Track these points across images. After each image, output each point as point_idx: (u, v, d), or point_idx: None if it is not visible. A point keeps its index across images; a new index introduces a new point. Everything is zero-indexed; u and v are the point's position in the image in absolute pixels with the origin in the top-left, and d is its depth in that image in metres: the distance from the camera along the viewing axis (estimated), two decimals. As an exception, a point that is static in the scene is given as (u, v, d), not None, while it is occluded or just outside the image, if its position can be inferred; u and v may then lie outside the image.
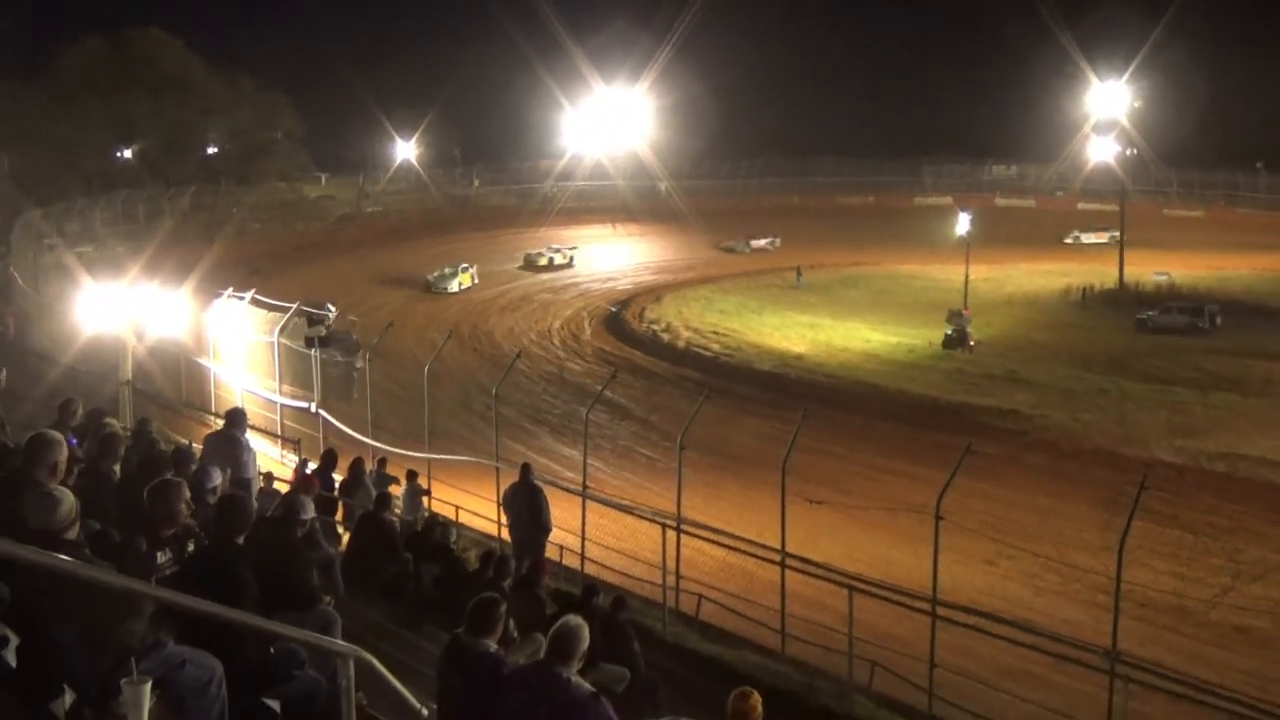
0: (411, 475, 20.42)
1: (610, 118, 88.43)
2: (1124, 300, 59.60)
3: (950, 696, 15.36)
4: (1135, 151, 79.72)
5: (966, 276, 56.07)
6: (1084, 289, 62.56)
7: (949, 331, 50.82)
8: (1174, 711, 15.59)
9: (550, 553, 17.93)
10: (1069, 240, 79.86)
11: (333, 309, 50.15)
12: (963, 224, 63.58)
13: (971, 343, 50.36)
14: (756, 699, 7.75)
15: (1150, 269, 64.05)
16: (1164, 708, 15.43)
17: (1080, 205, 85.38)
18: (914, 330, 52.51)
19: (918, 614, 16.57)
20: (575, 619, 6.92)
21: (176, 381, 28.68)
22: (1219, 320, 53.82)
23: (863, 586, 18.48)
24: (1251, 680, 16.04)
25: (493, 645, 7.17)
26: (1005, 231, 72.79)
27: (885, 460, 28.45)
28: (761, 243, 79.34)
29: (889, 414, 38.20)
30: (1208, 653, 18.39)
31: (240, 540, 7.50)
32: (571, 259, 71.61)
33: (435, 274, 63.40)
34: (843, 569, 19.69)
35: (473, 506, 21.78)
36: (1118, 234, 67.36)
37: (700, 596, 19.44)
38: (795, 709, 13.21)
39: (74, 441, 10.34)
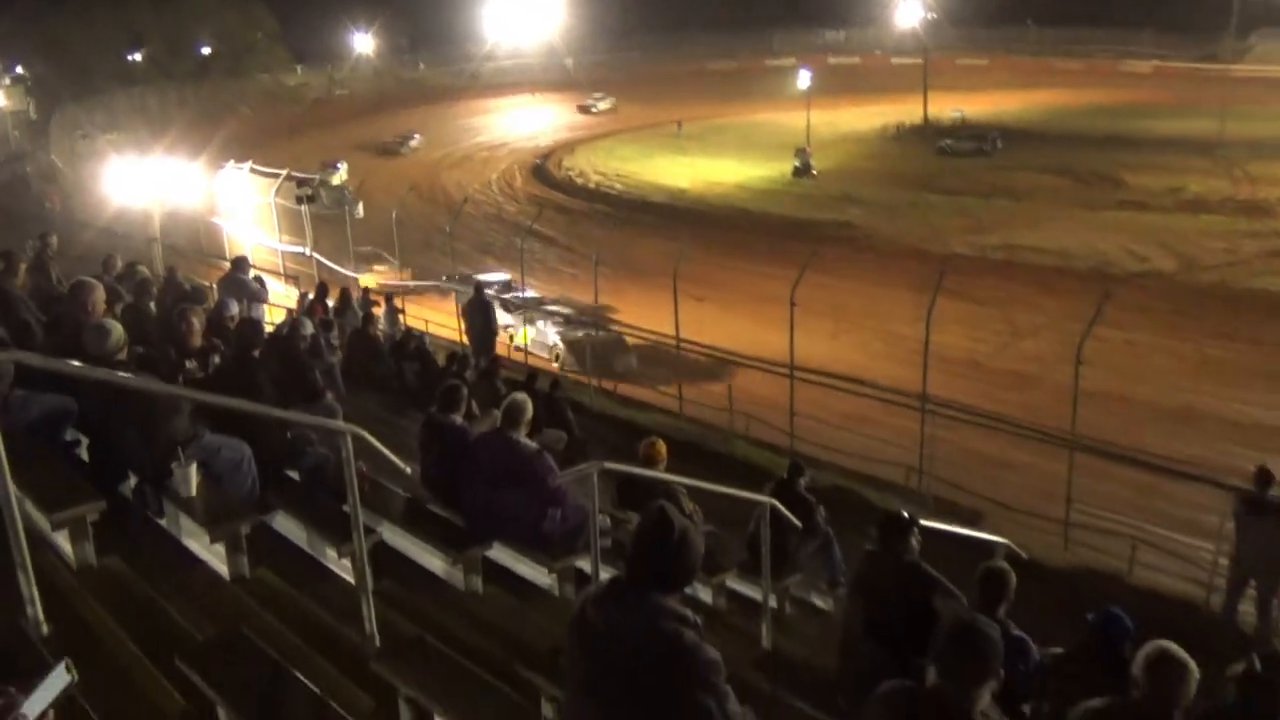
0: (389, 298, 20.18)
1: (526, 4, 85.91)
2: (927, 133, 59.54)
3: (807, 438, 15.80)
4: (934, 15, 78.68)
5: (808, 121, 55.72)
6: (897, 126, 62.39)
7: (797, 164, 50.63)
8: (970, 435, 16.22)
9: (500, 350, 17.95)
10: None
11: (343, 165, 50.29)
12: (803, 80, 62.78)
13: (814, 172, 50.26)
14: (662, 446, 7.89)
15: (948, 108, 63.89)
16: (963, 433, 16.02)
17: (894, 60, 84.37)
18: (771, 165, 52.22)
19: (780, 377, 16.91)
20: (521, 396, 6.94)
21: (195, 237, 27.85)
22: (999, 144, 54.14)
23: (739, 360, 18.78)
24: (1024, 410, 16.58)
25: (459, 419, 7.19)
26: (836, 84, 72.17)
27: (753, 265, 28.52)
28: (604, 105, 76.29)
29: (755, 230, 38.26)
30: (993, 392, 18.97)
31: (256, 353, 7.37)
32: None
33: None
34: (724, 347, 20.01)
35: (439, 320, 21.65)
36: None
37: (619, 379, 19.68)
38: (692, 453, 13.50)
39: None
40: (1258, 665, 4.68)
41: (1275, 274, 31.21)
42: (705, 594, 7.63)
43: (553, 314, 23.70)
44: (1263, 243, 34.45)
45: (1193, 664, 3.65)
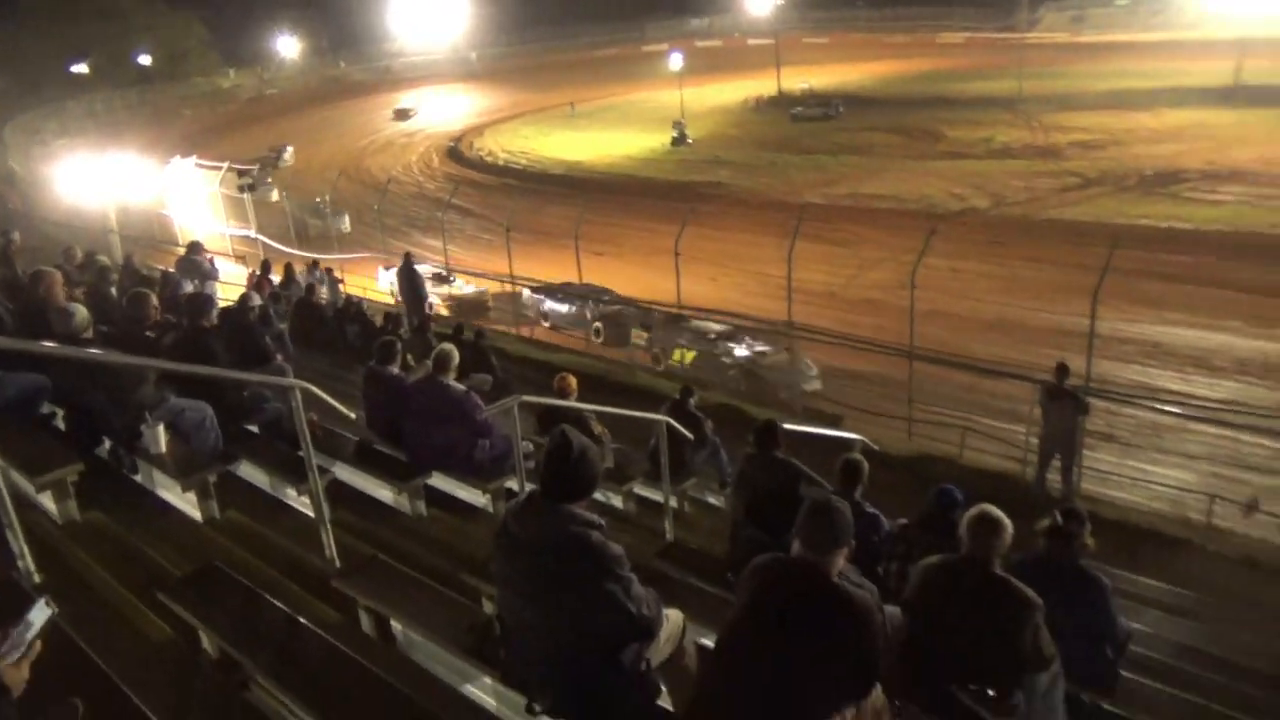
0: (328, 270, 19.62)
1: (432, 5, 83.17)
2: (782, 103, 59.56)
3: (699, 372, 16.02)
4: (782, 1, 78.36)
5: (681, 97, 55.41)
6: (756, 98, 62.32)
7: (674, 135, 50.32)
8: (830, 353, 16.60)
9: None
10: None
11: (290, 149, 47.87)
12: (675, 62, 62.19)
13: (689, 141, 50.04)
14: (572, 380, 7.89)
15: (798, 80, 64.04)
16: (825, 352, 16.38)
17: (750, 41, 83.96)
18: (652, 137, 51.81)
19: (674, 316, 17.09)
20: (448, 346, 6.85)
21: (149, 228, 26.59)
22: (841, 109, 54.63)
23: (638, 303, 18.78)
24: (873, 330, 16.89)
25: (395, 369, 7.08)
26: (703, 65, 71.73)
27: (642, 223, 28.35)
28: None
29: (642, 193, 38.00)
30: (848, 317, 19.35)
31: (208, 324, 7.11)
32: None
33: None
34: (622, 292, 20.01)
35: (375, 286, 21.17)
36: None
37: (534, 325, 19.53)
38: (599, 384, 13.52)
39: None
40: (1059, 519, 4.93)
41: (1066, 206, 32.40)
42: (617, 500, 7.72)
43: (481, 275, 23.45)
44: (1056, 180, 35.62)
45: (1007, 522, 3.80)
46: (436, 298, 22.05)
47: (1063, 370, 10.13)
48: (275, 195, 30.93)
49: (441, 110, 69.92)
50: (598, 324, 20.11)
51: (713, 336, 18.11)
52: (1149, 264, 21.61)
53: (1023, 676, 3.69)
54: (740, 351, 17.55)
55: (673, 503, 7.57)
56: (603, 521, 3.23)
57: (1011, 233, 28.17)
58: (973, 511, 3.80)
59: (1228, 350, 19.20)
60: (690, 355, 17.96)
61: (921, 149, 43.83)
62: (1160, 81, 50.11)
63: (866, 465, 5.71)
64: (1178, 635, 7.00)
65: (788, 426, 7.64)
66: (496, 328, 19.83)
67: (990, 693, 3.65)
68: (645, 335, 18.99)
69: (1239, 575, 9.05)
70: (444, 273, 23.68)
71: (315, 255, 21.71)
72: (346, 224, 30.95)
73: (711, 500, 8.64)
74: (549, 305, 21.77)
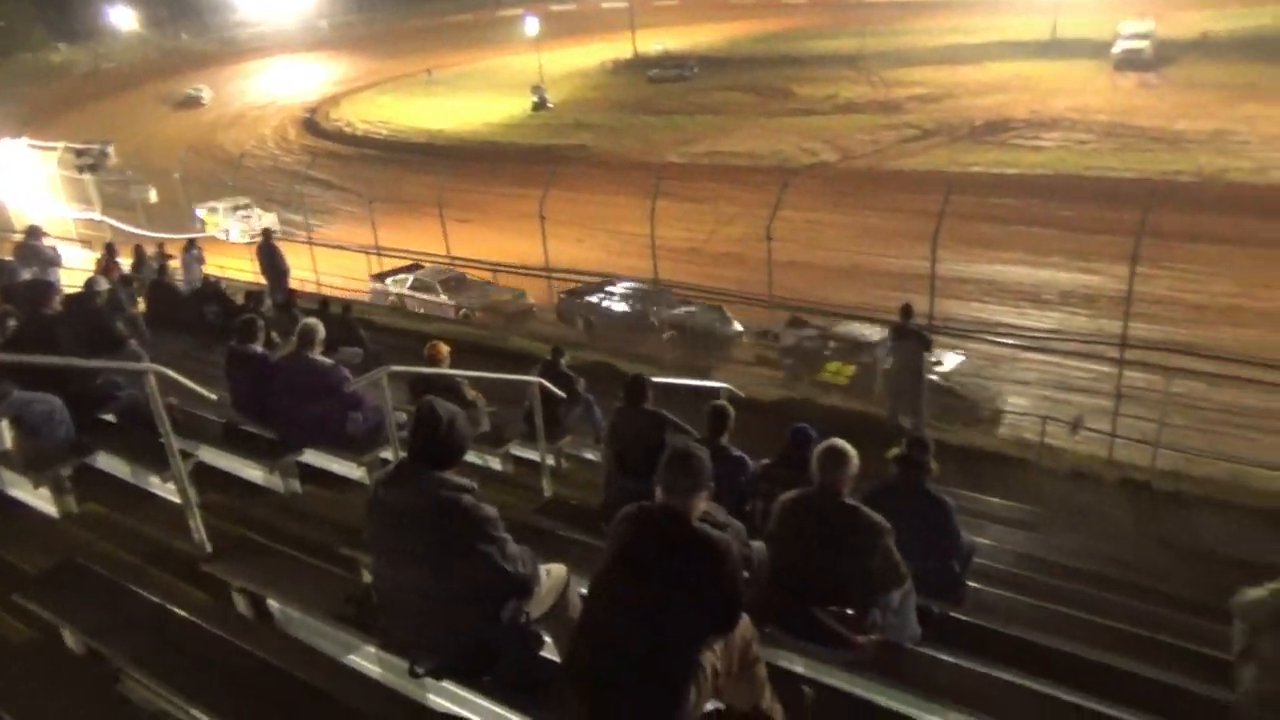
0: (189, 245, 18.48)
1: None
2: (638, 65, 59.60)
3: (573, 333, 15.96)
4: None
5: (539, 62, 54.55)
6: (613, 61, 62.04)
7: (535, 100, 49.65)
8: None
9: (295, 285, 16.93)
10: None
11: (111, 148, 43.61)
12: (531, 26, 61.30)
13: (550, 105, 49.47)
14: (443, 347, 7.75)
15: (652, 42, 64.03)
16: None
17: (604, 5, 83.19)
18: (512, 102, 50.95)
19: (539, 278, 16.95)
20: (311, 321, 6.60)
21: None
22: (696, 70, 55.01)
23: (503, 269, 18.56)
24: (736, 282, 17.24)
25: (258, 347, 6.78)
26: (559, 29, 70.82)
27: (506, 188, 27.93)
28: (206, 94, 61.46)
29: (505, 158, 37.47)
30: (711, 271, 19.61)
31: (51, 311, 6.62)
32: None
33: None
34: (490, 259, 19.71)
35: (235, 265, 20.14)
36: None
37: (400, 295, 19.03)
38: (472, 351, 13.34)
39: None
40: (906, 448, 5.19)
41: (908, 157, 33.70)
42: (495, 462, 7.67)
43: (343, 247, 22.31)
44: (897, 133, 36.98)
45: (852, 452, 3.94)
46: (454, 311, 18.84)
47: (907, 311, 10.59)
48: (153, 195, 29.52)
49: (294, 81, 66.71)
50: (670, 332, 16.72)
51: (871, 340, 14.56)
52: (982, 208, 22.75)
53: (876, 595, 3.90)
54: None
55: (550, 461, 7.58)
56: (474, 485, 3.22)
57: (859, 184, 29.13)
58: (820, 446, 3.94)
59: (1054, 284, 20.51)
60: (849, 370, 14.42)
61: (773, 107, 44.67)
62: (986, 36, 52.50)
63: (732, 411, 5.84)
64: (1017, 545, 7.53)
65: (659, 379, 7.76)
66: (361, 300, 19.21)
67: (849, 612, 3.84)
68: (765, 344, 15.66)
69: (1068, 487, 9.79)
70: (458, 276, 20.15)
71: (176, 236, 20.47)
72: (153, 195, 29.49)
73: (588, 455, 8.69)
74: (606, 305, 18.09)
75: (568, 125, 44.89)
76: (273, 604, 4.08)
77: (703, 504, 3.11)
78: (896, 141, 35.88)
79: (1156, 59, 43.16)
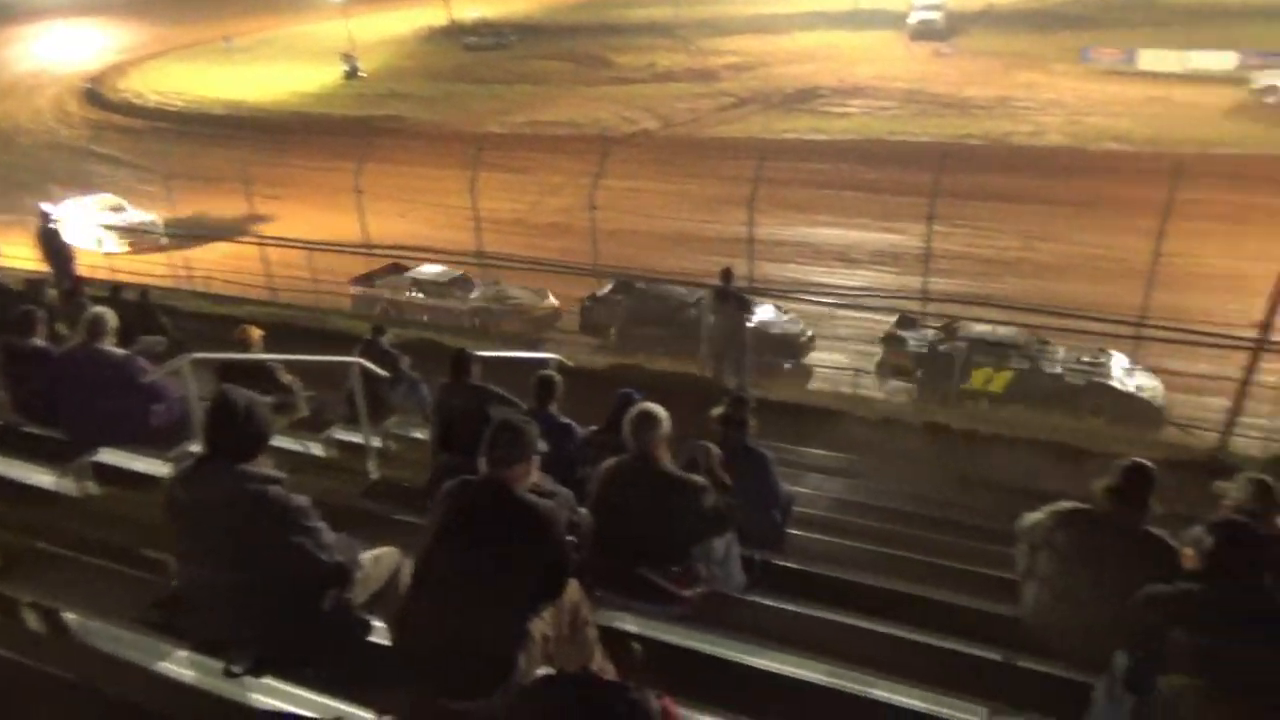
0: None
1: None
2: (453, 32, 57.98)
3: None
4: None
5: (348, 28, 52.06)
6: (428, 28, 60.11)
7: (345, 68, 47.46)
8: (526, 278, 16.70)
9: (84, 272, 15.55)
10: None
11: None
12: (338, -10, 58.41)
13: (362, 74, 47.43)
14: (253, 331, 7.40)
15: (468, 9, 62.39)
16: (521, 278, 16.47)
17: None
18: (321, 71, 48.45)
19: (362, 256, 16.37)
20: (99, 309, 6.12)
21: None
22: (514, 38, 54.14)
23: (320, 248, 17.77)
24: (562, 252, 17.22)
25: (39, 341, 6.20)
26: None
27: (319, 163, 26.33)
28: None
29: (316, 131, 35.58)
30: (536, 242, 19.49)
31: None
32: None
33: None
34: (306, 239, 18.79)
35: (12, 252, 18.27)
36: None
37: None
38: (287, 332, 12.71)
39: None
40: (728, 407, 5.38)
41: (725, 124, 34.59)
42: (317, 447, 7.37)
43: None
44: (714, 101, 37.86)
45: (661, 415, 4.01)
46: (470, 318, 16.66)
47: (727, 274, 10.92)
48: None
49: (72, 48, 60.77)
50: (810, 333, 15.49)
51: (1033, 345, 13.47)
52: (796, 173, 23.62)
53: (696, 550, 4.03)
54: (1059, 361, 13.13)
55: (376, 442, 7.37)
56: (282, 475, 3.09)
57: (680, 152, 29.67)
58: (632, 410, 4.00)
59: (862, 244, 21.69)
60: (1003, 377, 13.05)
61: (592, 75, 44.64)
62: (793, 6, 54.32)
63: (560, 380, 5.86)
64: (834, 492, 7.99)
65: (486, 353, 7.66)
66: (162, 285, 17.87)
67: (675, 569, 3.97)
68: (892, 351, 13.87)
69: (880, 434, 10.44)
70: (461, 276, 17.79)
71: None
72: None
73: (417, 434, 8.49)
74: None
75: (382, 95, 43.22)
76: (70, 616, 3.79)
77: (529, 474, 3.11)
78: (714, 110, 36.72)
79: (948, 29, 46.06)
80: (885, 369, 13.75)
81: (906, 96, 36.24)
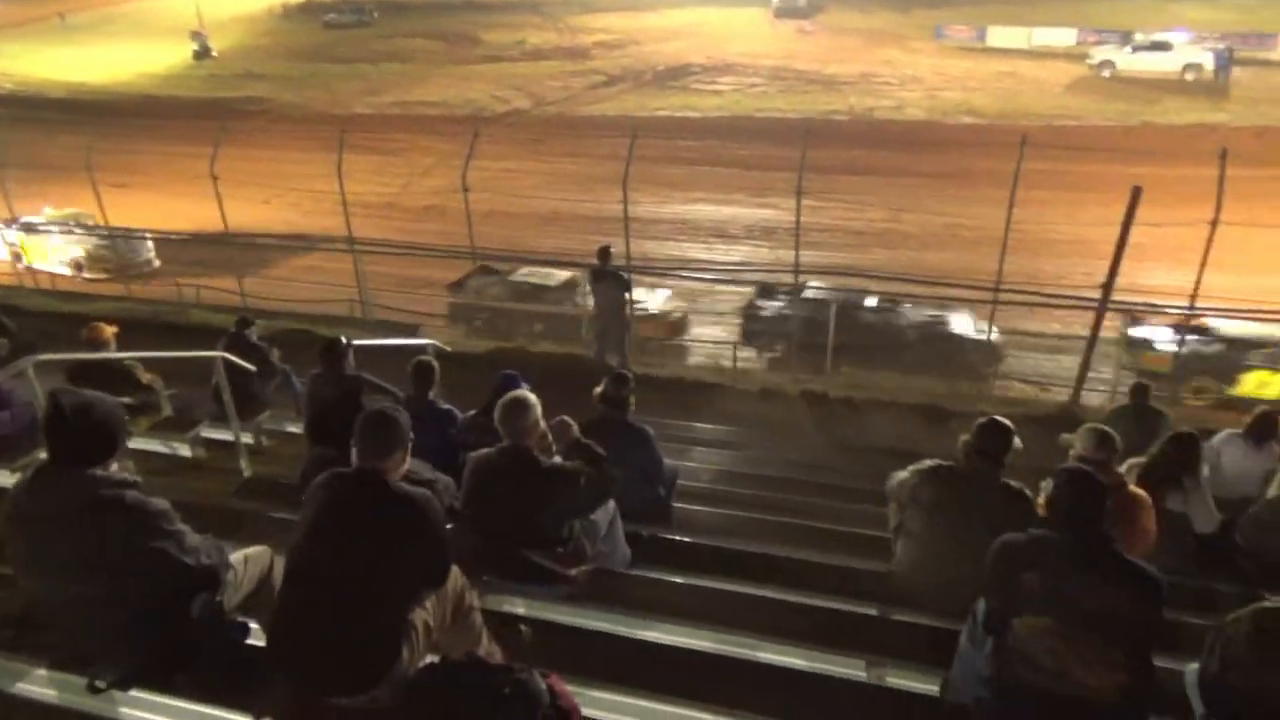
0: None
1: None
2: (312, 9, 55.61)
3: (260, 294, 14.86)
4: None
5: (197, 4, 49.27)
6: (283, 4, 57.43)
7: (195, 47, 44.96)
8: (399, 264, 16.28)
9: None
10: None
11: None
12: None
13: (214, 53, 45.04)
14: (104, 329, 6.95)
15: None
16: (393, 264, 16.04)
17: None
18: (168, 50, 45.75)
19: (223, 246, 15.63)
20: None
21: None
22: (376, 15, 52.39)
23: (173, 237, 16.90)
24: (438, 236, 16.88)
25: None
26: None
27: (171, 148, 24.88)
28: None
29: (167, 114, 33.62)
30: (410, 225, 19.11)
31: None
32: None
33: None
34: (161, 228, 17.86)
35: None
36: None
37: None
38: (146, 328, 12.08)
39: None
40: (607, 386, 5.41)
41: (598, 103, 34.49)
42: (184, 448, 7.04)
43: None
44: (585, 79, 37.70)
45: (529, 400, 3.95)
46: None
47: (604, 253, 10.92)
48: None
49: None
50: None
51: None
52: (671, 151, 23.84)
53: (581, 530, 4.05)
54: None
55: (247, 439, 7.09)
56: (137, 479, 2.93)
57: (553, 131, 29.46)
58: (500, 402, 3.96)
59: (738, 220, 22.09)
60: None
61: (461, 54, 43.74)
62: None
63: (437, 366, 5.76)
64: (717, 463, 8.16)
65: (361, 341, 7.46)
66: None
67: (560, 549, 3.98)
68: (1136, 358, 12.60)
69: (759, 405, 10.71)
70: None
71: None
72: None
73: (291, 429, 8.22)
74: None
75: (238, 76, 41.18)
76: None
77: (403, 464, 3.06)
78: (586, 88, 36.57)
79: (810, 7, 47.14)
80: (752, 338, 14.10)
81: (774, 73, 36.96)
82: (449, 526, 3.83)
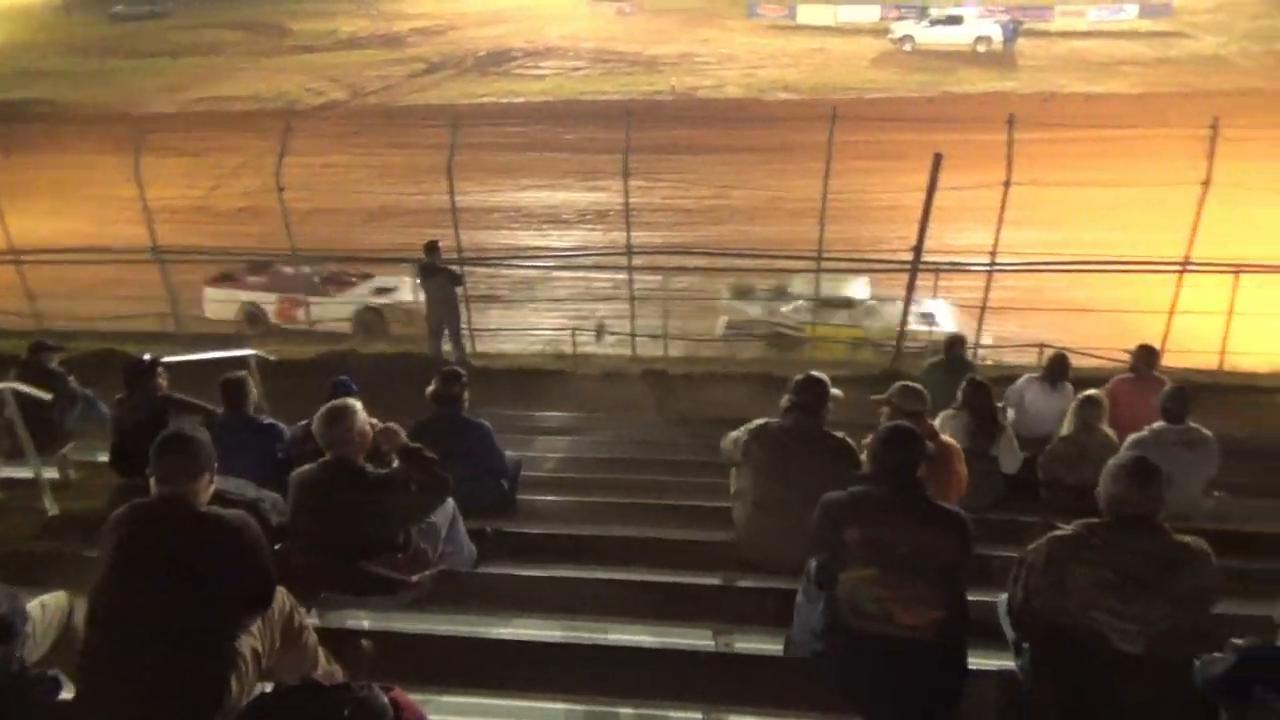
0: None
1: None
2: (97, 1, 51.45)
3: (59, 316, 13.72)
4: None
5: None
6: (63, -4, 52.86)
7: (-40, 46, 40.83)
8: (205, 278, 15.41)
9: None
10: None
11: None
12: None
13: (-15, 51, 41.04)
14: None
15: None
16: (203, 276, 15.13)
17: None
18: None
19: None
20: None
21: None
22: (171, 5, 49.08)
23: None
24: (256, 239, 16.00)
25: None
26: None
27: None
28: None
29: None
30: (224, 229, 18.04)
31: None
32: None
33: None
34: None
35: None
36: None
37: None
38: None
39: None
40: (439, 383, 5.30)
41: (420, 91, 33.63)
42: (-25, 491, 6.42)
43: None
44: (404, 68, 36.67)
45: (349, 407, 3.79)
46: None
47: (431, 247, 10.67)
48: None
49: None
50: None
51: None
52: (497, 137, 23.53)
53: (409, 535, 3.95)
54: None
55: (51, 474, 6.53)
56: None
57: (373, 122, 28.45)
58: (317, 414, 3.81)
59: (570, 204, 22.10)
60: None
61: (269, 44, 41.67)
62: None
63: (249, 378, 5.49)
64: (562, 450, 8.14)
65: (174, 359, 6.99)
66: None
67: (399, 555, 3.88)
68: None
69: (602, 388, 10.79)
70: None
71: None
72: None
73: (103, 458, 7.64)
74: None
75: (14, 75, 37.59)
76: None
77: (210, 486, 2.89)
78: (406, 76, 35.58)
79: (627, -11, 47.54)
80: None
81: (595, 56, 37.10)
82: (278, 546, 3.67)
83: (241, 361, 8.38)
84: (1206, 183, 10.96)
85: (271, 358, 9.46)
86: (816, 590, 3.36)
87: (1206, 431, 5.46)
